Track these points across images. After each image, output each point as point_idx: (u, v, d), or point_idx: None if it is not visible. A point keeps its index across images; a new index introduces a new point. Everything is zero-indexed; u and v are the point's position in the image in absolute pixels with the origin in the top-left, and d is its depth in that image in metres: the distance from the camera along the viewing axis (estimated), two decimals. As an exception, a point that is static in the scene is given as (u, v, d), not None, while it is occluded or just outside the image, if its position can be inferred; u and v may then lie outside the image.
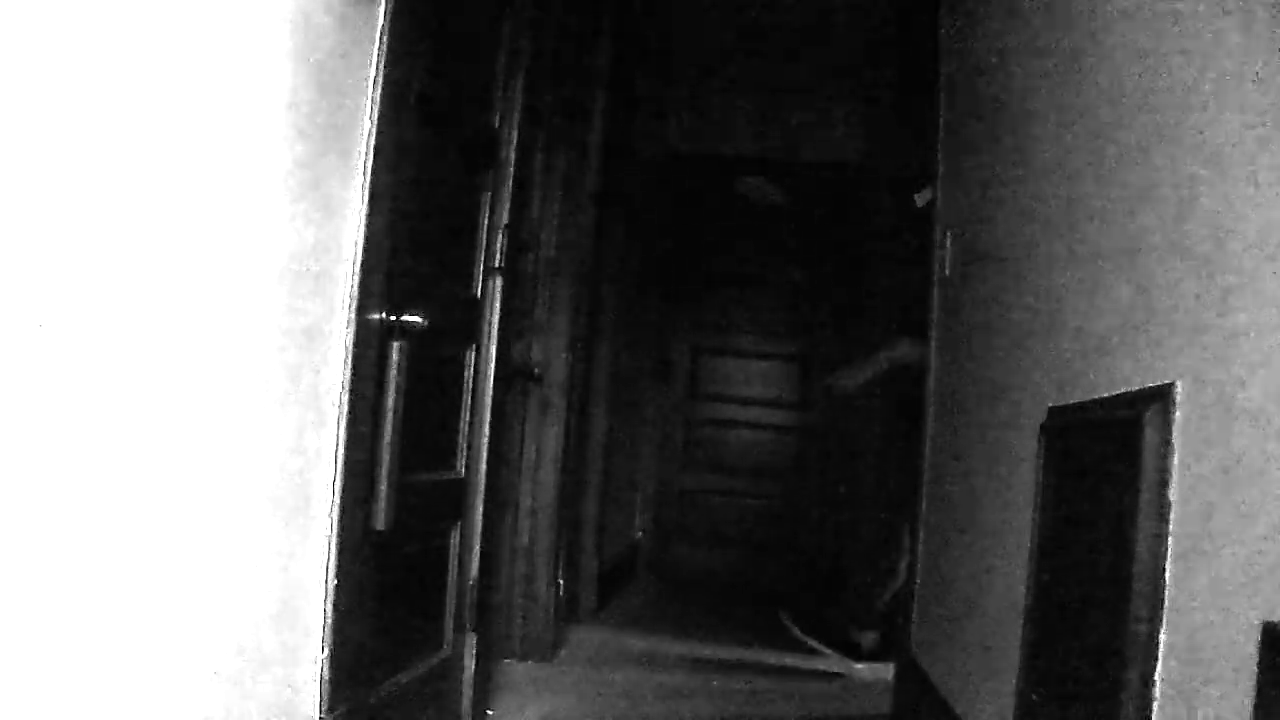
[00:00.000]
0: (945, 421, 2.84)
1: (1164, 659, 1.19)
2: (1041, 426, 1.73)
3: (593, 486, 4.44)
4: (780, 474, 6.04)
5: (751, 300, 6.13)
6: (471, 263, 2.42)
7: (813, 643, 4.17)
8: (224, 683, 1.44)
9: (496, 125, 2.51)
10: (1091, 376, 1.56)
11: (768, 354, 6.11)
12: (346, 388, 1.74)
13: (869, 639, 3.99)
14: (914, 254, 3.48)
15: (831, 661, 3.94)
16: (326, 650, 1.73)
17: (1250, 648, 0.98)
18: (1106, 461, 1.38)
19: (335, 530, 1.74)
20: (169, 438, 1.26)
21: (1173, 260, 1.27)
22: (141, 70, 1.15)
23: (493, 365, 2.50)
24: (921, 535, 3.03)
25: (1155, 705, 1.19)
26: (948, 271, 2.92)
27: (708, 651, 3.96)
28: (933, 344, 3.07)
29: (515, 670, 3.32)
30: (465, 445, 2.42)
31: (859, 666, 3.84)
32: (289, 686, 1.64)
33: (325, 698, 1.73)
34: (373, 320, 1.82)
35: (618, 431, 4.93)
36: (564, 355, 3.58)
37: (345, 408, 1.74)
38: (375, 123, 1.79)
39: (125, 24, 1.12)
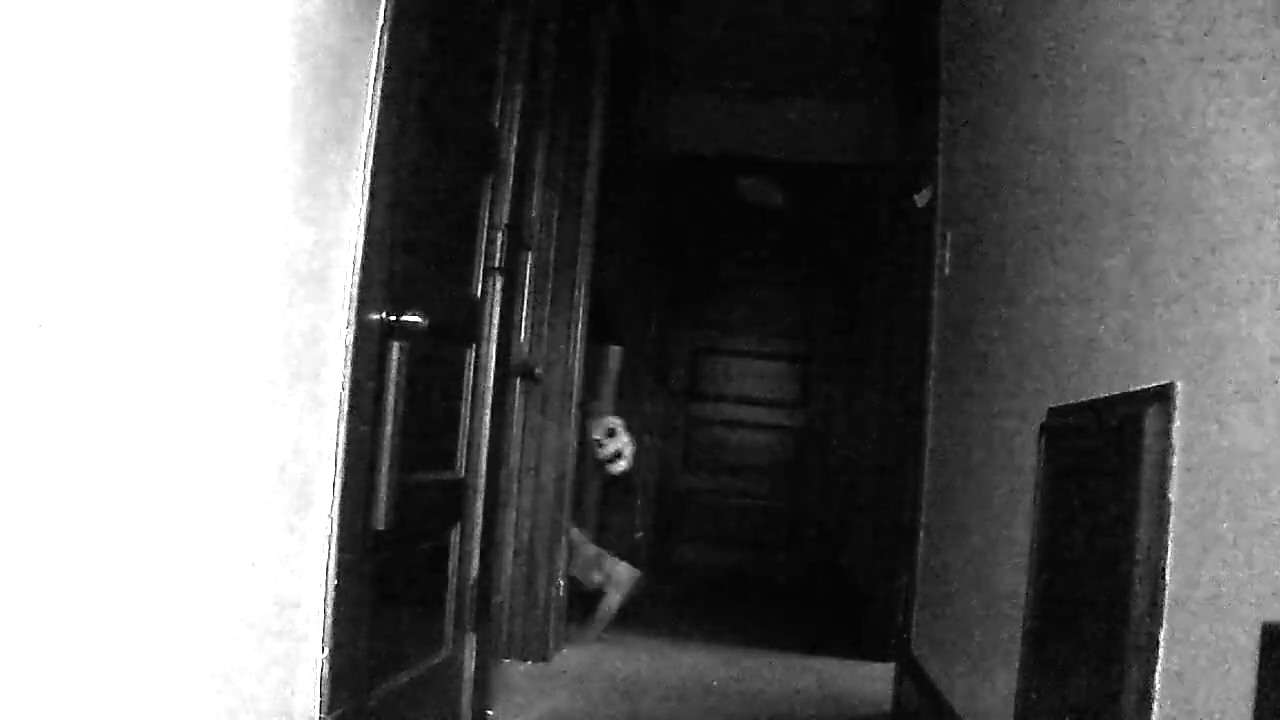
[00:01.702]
0: (945, 421, 2.84)
1: (1164, 659, 1.18)
2: (1041, 426, 1.73)
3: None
4: (780, 474, 6.04)
5: (751, 300, 6.13)
6: (471, 263, 2.42)
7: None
8: (224, 683, 1.44)
9: (496, 125, 2.51)
10: (1091, 376, 1.56)
11: (768, 354, 6.11)
12: (346, 388, 1.74)
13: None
14: (914, 254, 3.48)
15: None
16: (326, 651, 1.73)
17: (1250, 648, 0.98)
18: (1106, 461, 1.37)
19: (335, 530, 1.74)
20: (168, 438, 1.26)
21: (1173, 260, 1.27)
22: (143, 69, 1.15)
23: (492, 365, 2.50)
24: (922, 535, 3.03)
25: (1155, 705, 1.19)
26: (948, 271, 2.92)
27: (707, 651, 3.96)
28: (933, 344, 3.07)
29: (515, 670, 3.32)
30: (465, 445, 2.42)
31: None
32: (289, 687, 1.64)
33: (325, 698, 1.73)
34: (373, 320, 1.82)
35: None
36: (564, 355, 3.58)
37: (345, 408, 1.74)
38: (375, 122, 1.79)
39: (126, 23, 1.12)
